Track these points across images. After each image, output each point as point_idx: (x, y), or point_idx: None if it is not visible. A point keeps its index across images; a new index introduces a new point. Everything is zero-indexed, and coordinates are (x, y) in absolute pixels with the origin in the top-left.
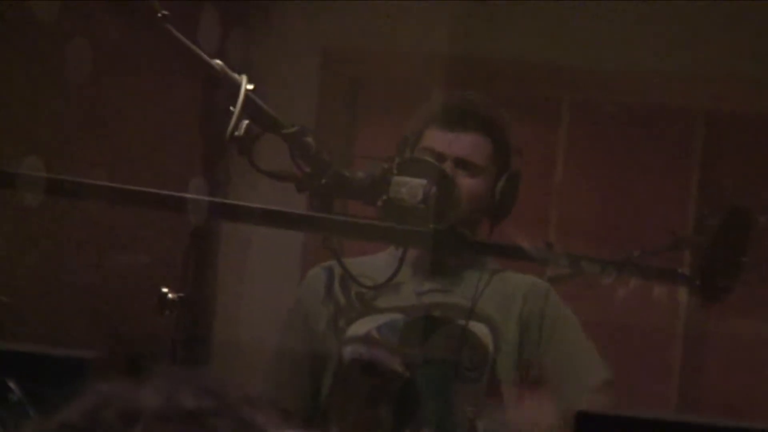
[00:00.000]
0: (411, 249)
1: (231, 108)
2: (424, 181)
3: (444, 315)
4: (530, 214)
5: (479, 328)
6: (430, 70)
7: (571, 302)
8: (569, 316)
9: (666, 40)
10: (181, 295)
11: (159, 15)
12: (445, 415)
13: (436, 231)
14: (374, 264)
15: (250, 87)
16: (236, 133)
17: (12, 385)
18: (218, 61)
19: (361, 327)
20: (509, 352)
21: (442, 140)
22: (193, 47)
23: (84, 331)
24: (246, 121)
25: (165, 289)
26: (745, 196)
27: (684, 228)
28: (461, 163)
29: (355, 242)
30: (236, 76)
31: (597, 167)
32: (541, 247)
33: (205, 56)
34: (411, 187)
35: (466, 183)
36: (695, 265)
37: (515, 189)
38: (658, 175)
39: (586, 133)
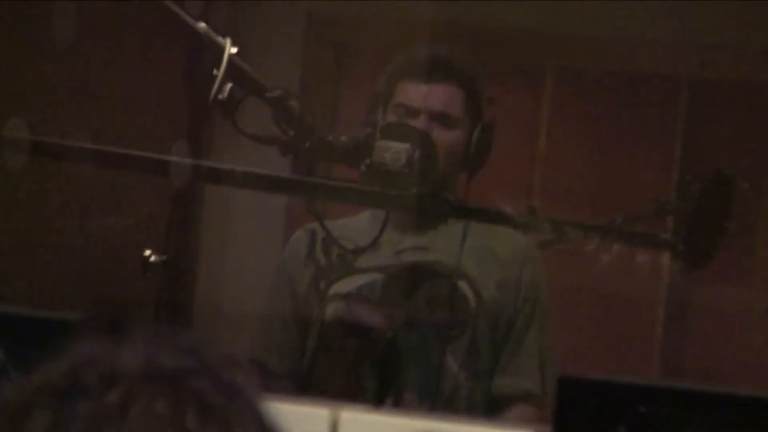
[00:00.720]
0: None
1: (215, 71)
2: (407, 146)
3: (425, 272)
4: (513, 180)
5: (460, 285)
6: (414, 35)
7: (553, 268)
8: (542, 295)
9: (651, 7)
10: (163, 257)
11: None
12: (428, 374)
13: (419, 195)
14: (355, 226)
15: (234, 50)
16: (220, 97)
17: None
18: (202, 24)
19: (342, 287)
20: (490, 310)
21: (415, 94)
22: (178, 10)
23: (67, 293)
24: (230, 85)
25: (148, 252)
26: (728, 163)
27: (667, 194)
28: (437, 116)
29: (337, 205)
30: (220, 39)
31: (580, 133)
32: (524, 212)
33: (189, 19)
34: (394, 151)
35: (444, 136)
36: (678, 230)
37: (490, 139)
38: (642, 141)
39: (570, 100)
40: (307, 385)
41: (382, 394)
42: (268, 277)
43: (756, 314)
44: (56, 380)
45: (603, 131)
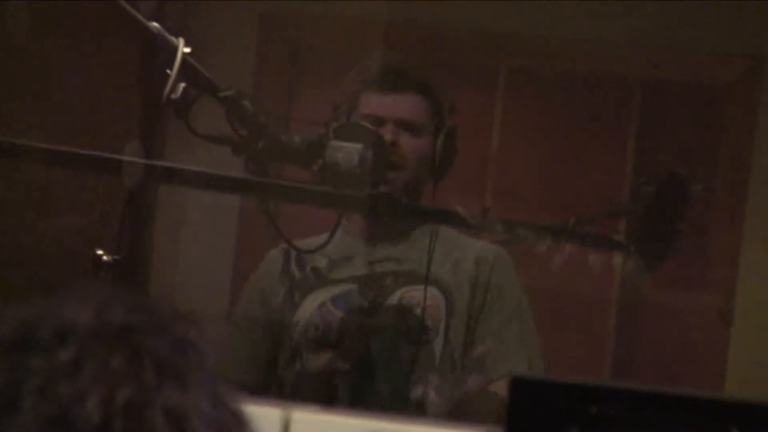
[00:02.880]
0: (361, 220)
1: (168, 71)
2: (359, 146)
3: (398, 281)
4: (467, 180)
5: (431, 292)
6: (368, 35)
7: None
8: (516, 292)
9: (604, 8)
10: (116, 257)
11: None
12: (400, 381)
13: (371, 195)
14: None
15: (187, 50)
16: (173, 96)
17: None
18: (155, 24)
19: (316, 299)
20: (462, 316)
21: (380, 104)
22: (131, 9)
23: (19, 293)
24: (183, 84)
25: (100, 251)
26: (681, 164)
27: (620, 195)
28: (403, 125)
29: (293, 208)
30: (173, 38)
31: (534, 134)
32: (477, 213)
33: (142, 18)
34: (347, 151)
35: (412, 144)
36: (631, 232)
37: (454, 145)
38: (595, 143)
39: (523, 100)
40: (281, 396)
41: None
42: (220, 277)
43: (707, 315)
44: (7, 336)
45: (556, 132)
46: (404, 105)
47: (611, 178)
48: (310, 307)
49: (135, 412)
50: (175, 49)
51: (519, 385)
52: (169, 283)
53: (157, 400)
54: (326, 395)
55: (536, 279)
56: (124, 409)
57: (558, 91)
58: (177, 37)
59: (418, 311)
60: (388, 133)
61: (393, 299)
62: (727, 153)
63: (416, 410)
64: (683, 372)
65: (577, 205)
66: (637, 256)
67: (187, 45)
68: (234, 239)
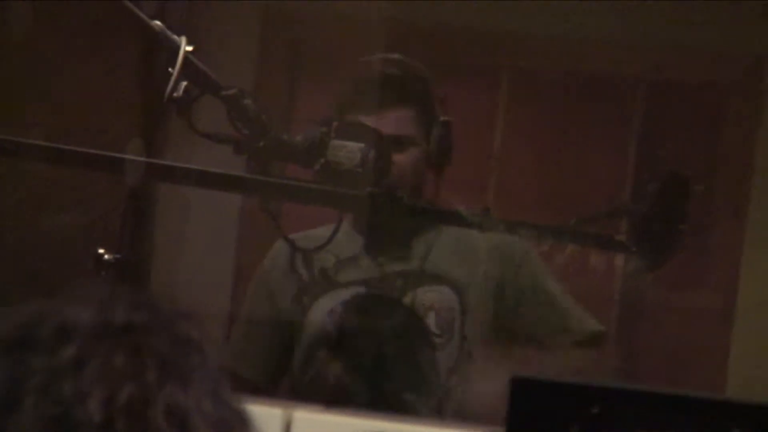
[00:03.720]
0: (366, 222)
1: (170, 69)
2: (361, 145)
3: (408, 281)
4: (469, 180)
5: (443, 291)
6: (370, 35)
7: None
8: (543, 271)
9: (607, 8)
10: (117, 256)
11: None
12: (418, 384)
13: (372, 194)
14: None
15: (189, 48)
16: (175, 95)
17: None
18: (157, 22)
19: (326, 303)
20: (478, 312)
21: (371, 122)
22: (133, 8)
23: (20, 292)
24: (185, 83)
25: (101, 250)
26: (683, 165)
27: (622, 195)
28: (393, 140)
29: (293, 206)
30: (175, 37)
31: (536, 134)
32: (478, 212)
33: (144, 17)
34: (349, 150)
35: (401, 158)
36: (632, 232)
37: (448, 136)
38: (597, 143)
39: (525, 100)
40: (294, 398)
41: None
42: (222, 276)
43: (709, 316)
44: (9, 335)
45: (558, 132)
46: (390, 122)
47: (613, 178)
48: (320, 313)
49: (137, 411)
50: (177, 47)
51: (520, 385)
52: (171, 282)
53: (158, 399)
54: (340, 401)
55: None
56: (126, 408)
57: (560, 91)
58: (179, 35)
59: (432, 313)
60: None
61: (405, 302)
62: (729, 153)
63: (437, 410)
64: (684, 372)
65: (579, 205)
66: (638, 257)
67: (189, 44)
68: (235, 238)
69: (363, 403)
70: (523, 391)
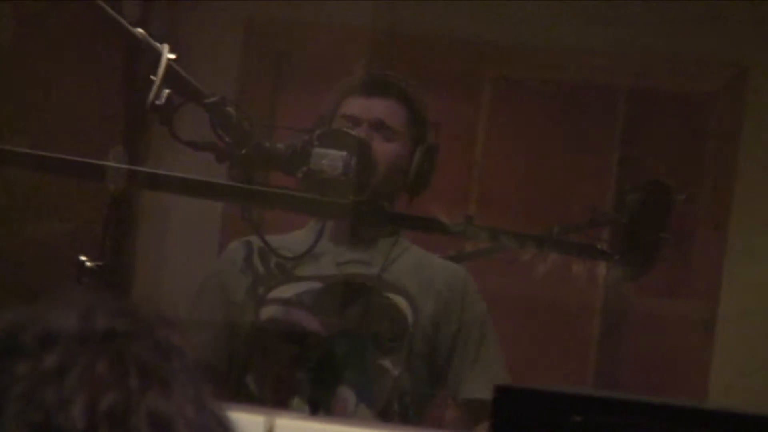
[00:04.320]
0: (331, 221)
1: (152, 77)
2: (344, 153)
3: (363, 284)
4: (450, 189)
5: (398, 300)
6: (353, 43)
7: (490, 277)
8: (485, 314)
9: (587, 17)
10: (99, 263)
11: None
12: (366, 383)
13: (355, 203)
14: (294, 239)
15: (172, 56)
16: (157, 102)
17: None
18: (140, 30)
19: (281, 293)
20: (426, 327)
21: (359, 106)
22: (115, 15)
23: (1, 298)
24: (167, 91)
25: (83, 258)
26: (665, 173)
27: (604, 204)
28: (377, 125)
29: (275, 218)
30: (158, 45)
31: (518, 142)
32: (461, 221)
33: (127, 24)
34: (331, 158)
35: (383, 147)
36: (615, 240)
37: (432, 161)
38: (579, 151)
39: (507, 109)
40: (240, 390)
41: (317, 399)
42: (200, 281)
43: (691, 324)
44: None
45: (540, 141)
46: (382, 108)
47: (595, 187)
48: (274, 303)
49: (119, 418)
50: (159, 55)
51: (503, 394)
52: (153, 289)
53: (141, 406)
54: (286, 394)
55: (520, 287)
56: (108, 415)
57: (542, 100)
58: (162, 43)
59: (385, 318)
60: (361, 133)
61: (358, 302)
62: (711, 162)
63: (384, 410)
64: (666, 381)
65: (561, 213)
66: (620, 265)
67: (171, 51)
68: (217, 246)
69: (306, 395)
70: (506, 398)
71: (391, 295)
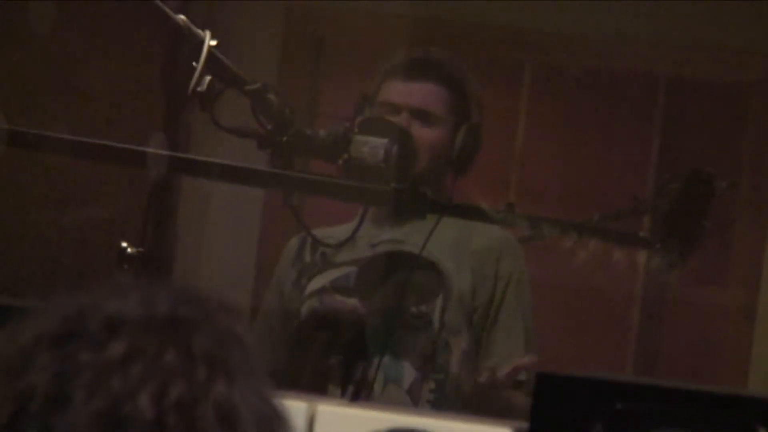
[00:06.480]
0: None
1: (194, 63)
2: (385, 140)
3: (396, 262)
4: (492, 176)
5: (428, 275)
6: (393, 30)
7: (531, 265)
8: (523, 284)
9: (630, 5)
10: (140, 249)
11: None
12: (392, 363)
13: (396, 189)
14: (342, 230)
15: (214, 43)
16: (198, 89)
17: None
18: (182, 17)
19: (318, 282)
20: (461, 301)
21: (398, 91)
22: (158, 2)
23: (43, 285)
24: (208, 77)
25: (124, 244)
26: (705, 161)
27: (645, 192)
28: (417, 113)
29: (316, 199)
30: (200, 31)
31: (559, 130)
32: (501, 208)
33: (168, 11)
34: (372, 146)
35: (423, 133)
36: (655, 228)
37: (476, 140)
38: (620, 139)
39: (548, 97)
40: (282, 378)
41: (353, 385)
42: (244, 270)
43: (731, 312)
44: (56, 329)
45: (581, 129)
46: (422, 94)
47: (636, 175)
48: (312, 292)
49: (187, 408)
50: (201, 42)
51: (544, 381)
52: (193, 276)
53: (208, 396)
54: (321, 380)
55: (561, 275)
56: (177, 405)
57: (583, 88)
58: (203, 30)
59: (414, 296)
60: (401, 120)
61: (391, 280)
62: (751, 150)
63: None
64: (707, 368)
65: (602, 201)
66: (661, 253)
67: (212, 38)
68: (257, 232)
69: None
70: (547, 386)
71: (421, 270)
